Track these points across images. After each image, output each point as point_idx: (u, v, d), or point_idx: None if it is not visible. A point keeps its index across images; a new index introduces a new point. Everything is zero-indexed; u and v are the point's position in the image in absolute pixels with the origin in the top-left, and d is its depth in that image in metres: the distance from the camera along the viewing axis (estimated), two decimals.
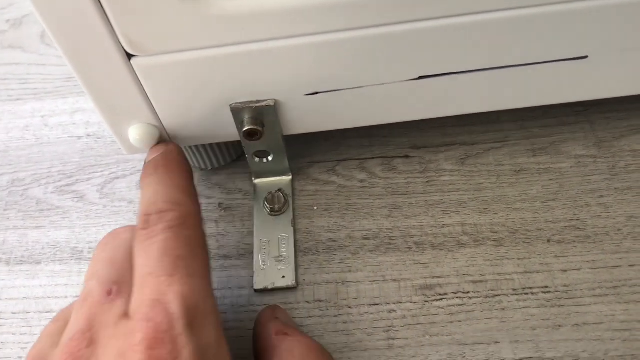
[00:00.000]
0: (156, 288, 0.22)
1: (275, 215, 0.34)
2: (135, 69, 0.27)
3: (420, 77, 0.29)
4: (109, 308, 0.23)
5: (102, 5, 0.24)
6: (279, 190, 0.34)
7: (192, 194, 0.27)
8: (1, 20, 0.46)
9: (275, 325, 0.26)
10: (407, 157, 0.35)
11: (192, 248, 0.24)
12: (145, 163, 0.29)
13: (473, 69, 0.29)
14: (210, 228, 0.34)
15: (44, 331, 0.25)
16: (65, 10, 0.24)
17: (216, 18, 0.25)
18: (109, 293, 0.23)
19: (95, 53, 0.26)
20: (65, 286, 0.33)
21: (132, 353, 0.21)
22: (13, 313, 0.32)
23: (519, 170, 0.34)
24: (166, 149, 0.29)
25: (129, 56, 0.27)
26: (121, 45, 0.26)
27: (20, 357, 0.31)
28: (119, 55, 0.26)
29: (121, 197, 0.35)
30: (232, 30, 0.26)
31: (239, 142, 0.32)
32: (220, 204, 0.35)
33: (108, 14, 0.24)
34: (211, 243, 0.33)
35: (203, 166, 0.36)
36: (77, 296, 0.32)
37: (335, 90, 0.29)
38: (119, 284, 0.24)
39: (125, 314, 0.22)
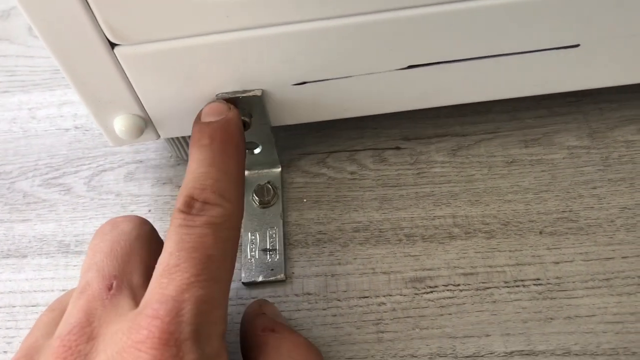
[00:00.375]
0: (176, 284, 0.21)
1: (264, 208, 0.33)
2: (118, 58, 0.26)
3: (410, 66, 0.28)
4: (110, 303, 0.22)
5: None
6: (268, 182, 0.34)
7: (242, 186, 0.25)
8: None
9: (262, 321, 0.26)
10: (398, 148, 0.35)
11: (225, 251, 0.23)
12: (199, 119, 0.27)
13: (463, 57, 0.28)
14: None
15: (38, 321, 0.25)
16: None
17: (200, 5, 0.24)
18: (109, 288, 0.22)
19: (77, 42, 0.25)
20: (51, 280, 0.32)
21: (135, 351, 0.20)
22: None
23: (511, 162, 0.33)
24: (227, 115, 0.26)
25: (112, 45, 0.26)
26: (104, 34, 0.25)
27: (5, 352, 0.30)
28: (101, 44, 0.26)
29: (108, 190, 0.35)
30: (216, 18, 0.25)
31: None
32: None
33: (89, 1, 0.24)
34: None
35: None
36: (63, 290, 0.32)
37: (323, 80, 0.29)
38: (119, 278, 0.23)
39: (130, 309, 0.22)
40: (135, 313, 0.21)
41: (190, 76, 0.28)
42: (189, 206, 0.23)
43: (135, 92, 0.28)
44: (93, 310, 0.22)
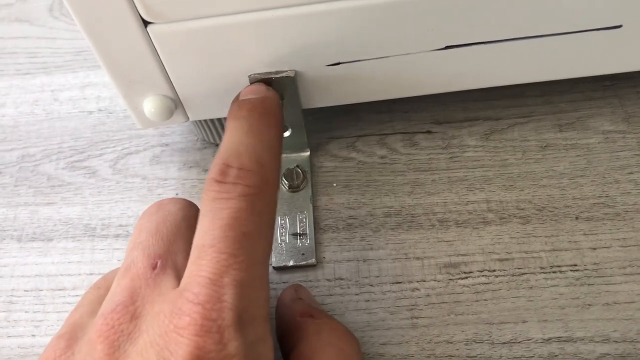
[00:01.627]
0: (214, 265, 0.20)
1: (293, 192, 0.33)
2: (151, 36, 0.26)
3: (447, 47, 0.28)
4: (154, 283, 0.22)
5: None
6: (297, 166, 0.33)
7: (279, 158, 0.24)
8: None
9: (300, 306, 0.25)
10: (429, 132, 0.34)
11: (262, 227, 0.22)
12: (237, 98, 0.26)
13: (501, 38, 0.28)
14: None
15: (83, 298, 0.24)
16: None
17: None
18: (154, 267, 0.22)
19: (110, 20, 0.25)
20: (78, 263, 0.32)
21: (177, 336, 0.19)
22: (25, 290, 0.31)
23: (545, 146, 0.33)
24: (267, 94, 0.26)
25: (146, 23, 0.25)
26: (137, 12, 0.25)
27: (33, 335, 0.30)
28: (135, 22, 0.25)
29: (134, 173, 0.35)
30: None
31: None
32: None
33: None
34: None
35: (218, 141, 0.35)
36: (90, 274, 0.31)
37: (358, 61, 0.28)
38: (164, 258, 0.22)
39: (172, 288, 0.21)
40: (177, 294, 0.21)
41: (222, 56, 0.27)
42: (224, 174, 0.22)
43: (167, 72, 0.28)
44: (137, 289, 0.22)
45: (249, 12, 0.25)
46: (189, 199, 0.32)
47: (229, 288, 0.20)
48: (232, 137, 0.24)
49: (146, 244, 0.23)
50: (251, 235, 0.21)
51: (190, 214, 0.25)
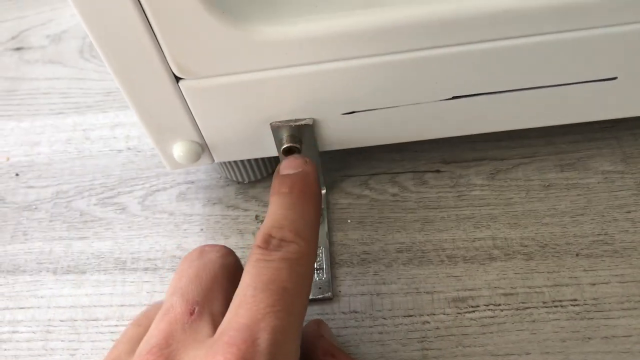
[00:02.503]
0: (252, 313, 0.22)
1: None
2: (182, 90, 0.28)
3: (454, 97, 0.30)
4: (190, 328, 0.23)
5: (154, 32, 0.25)
6: None
7: (317, 231, 0.27)
8: (41, 36, 0.48)
9: (323, 344, 0.27)
10: (438, 171, 0.36)
11: (300, 285, 0.24)
12: (278, 172, 0.29)
13: (505, 89, 0.30)
14: (247, 240, 0.35)
15: (124, 334, 0.26)
16: (117, 34, 0.25)
17: (261, 44, 0.26)
18: (191, 313, 0.24)
19: (145, 75, 0.27)
20: (110, 295, 0.34)
21: None
22: (61, 321, 0.34)
23: (547, 185, 0.35)
24: (305, 169, 0.28)
25: (177, 79, 0.28)
26: (170, 69, 0.27)
27: None
28: (167, 78, 0.28)
29: (162, 209, 0.37)
30: (275, 55, 0.27)
31: (276, 156, 0.33)
32: (257, 217, 0.36)
33: (159, 39, 0.26)
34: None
35: (240, 179, 0.37)
36: (122, 305, 0.34)
37: (371, 110, 0.30)
38: (201, 304, 0.24)
39: (208, 336, 0.23)
40: (213, 340, 0.22)
41: (247, 107, 0.30)
42: (267, 242, 0.25)
43: (195, 121, 0.30)
44: (173, 333, 0.23)
45: (271, 70, 0.28)
46: (212, 234, 0.35)
47: (264, 333, 0.22)
48: (276, 212, 0.26)
49: (185, 290, 0.25)
50: (290, 291, 0.23)
51: (228, 262, 0.27)
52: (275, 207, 0.27)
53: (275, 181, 0.28)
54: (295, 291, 0.24)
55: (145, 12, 0.25)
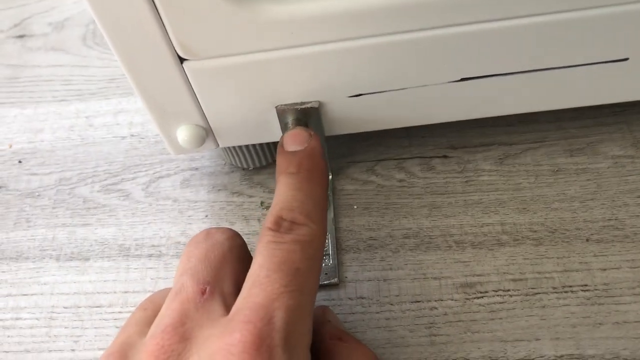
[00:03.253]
0: (266, 293, 0.22)
1: None
2: (187, 72, 0.28)
3: (463, 79, 0.30)
4: (203, 307, 0.23)
5: (158, 12, 0.25)
6: None
7: (326, 210, 0.27)
8: (43, 23, 0.48)
9: (329, 328, 0.27)
10: (445, 157, 0.36)
11: (311, 266, 0.24)
12: (282, 147, 0.28)
13: (515, 71, 0.29)
14: (253, 226, 0.35)
15: (131, 318, 0.26)
16: (122, 15, 0.25)
17: (267, 23, 0.26)
18: (203, 292, 0.23)
19: (149, 57, 0.27)
20: (113, 282, 0.34)
21: (227, 353, 0.21)
22: (65, 307, 0.33)
23: (557, 170, 0.34)
24: (310, 144, 0.28)
25: (181, 60, 0.27)
26: (174, 50, 0.27)
27: (73, 350, 0.32)
28: (172, 59, 0.27)
29: (166, 196, 0.37)
30: (281, 35, 0.26)
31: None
32: (262, 203, 0.36)
33: (163, 19, 0.25)
34: (254, 241, 0.34)
35: (245, 166, 0.37)
36: (125, 292, 0.33)
37: (378, 92, 0.30)
38: (212, 284, 0.24)
39: (221, 315, 0.23)
40: (228, 319, 0.22)
41: (252, 89, 0.29)
42: (278, 224, 0.24)
43: (200, 104, 0.30)
44: (186, 312, 0.23)
45: (277, 50, 0.27)
46: (217, 220, 0.35)
47: (280, 311, 0.22)
48: (284, 193, 0.26)
49: (195, 270, 0.24)
50: (302, 272, 0.23)
51: (236, 244, 0.27)
52: (284, 188, 0.26)
53: (281, 159, 0.28)
54: (308, 272, 0.24)
55: None
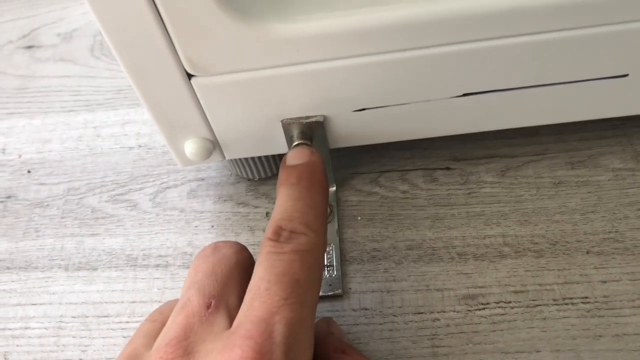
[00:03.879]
0: (267, 306, 0.23)
1: None
2: (194, 88, 0.29)
3: (465, 94, 0.30)
4: (207, 321, 0.23)
5: (166, 29, 0.26)
6: None
7: (325, 221, 0.27)
8: (52, 34, 0.48)
9: (333, 341, 0.27)
10: (448, 169, 0.36)
11: (311, 276, 0.24)
12: (285, 163, 0.29)
13: (517, 86, 0.30)
14: (258, 237, 0.35)
15: (139, 329, 0.26)
16: (130, 32, 0.26)
17: (273, 41, 0.26)
18: (208, 306, 0.24)
19: (157, 72, 0.28)
20: (121, 292, 0.34)
21: None
22: (72, 317, 0.34)
23: (558, 183, 0.35)
24: (311, 159, 0.29)
25: (189, 76, 0.28)
26: (182, 66, 0.27)
27: (81, 359, 0.32)
28: (180, 75, 0.28)
29: (173, 206, 0.37)
30: (287, 52, 0.27)
31: (284, 154, 0.33)
32: (267, 214, 0.36)
33: (172, 37, 0.26)
34: None
35: (251, 176, 0.37)
36: (133, 302, 0.34)
37: (382, 107, 0.30)
38: (218, 298, 0.24)
39: (225, 329, 0.23)
40: (229, 333, 0.23)
41: (258, 104, 0.30)
42: (278, 234, 0.25)
43: (207, 118, 0.30)
44: (191, 326, 0.23)
45: (283, 67, 0.28)
46: (223, 230, 0.35)
47: (280, 325, 0.22)
48: (284, 203, 0.26)
49: (202, 284, 0.25)
50: (303, 283, 0.24)
51: (242, 258, 0.27)
52: (284, 199, 0.27)
53: (282, 172, 0.28)
54: (308, 283, 0.24)
55: (158, 9, 0.25)
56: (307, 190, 0.27)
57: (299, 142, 0.31)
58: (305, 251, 0.25)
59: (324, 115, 0.31)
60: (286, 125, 0.31)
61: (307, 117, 0.31)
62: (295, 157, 0.29)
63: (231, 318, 0.24)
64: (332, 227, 0.35)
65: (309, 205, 0.26)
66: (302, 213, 0.26)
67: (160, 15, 0.25)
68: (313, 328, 0.24)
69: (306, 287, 0.24)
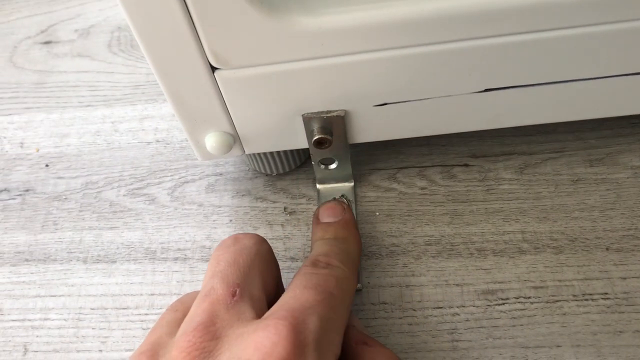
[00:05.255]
0: (301, 302, 0.24)
1: None
2: (217, 81, 0.29)
3: (486, 90, 0.30)
4: (233, 308, 0.24)
5: (193, 23, 0.26)
6: (342, 195, 0.36)
7: (357, 265, 0.29)
8: (69, 30, 0.48)
9: (354, 333, 0.27)
10: (466, 165, 0.36)
11: (344, 297, 0.26)
12: (318, 219, 0.32)
13: (538, 82, 0.30)
14: (276, 231, 0.35)
15: (161, 319, 0.26)
16: (158, 25, 0.26)
17: (298, 34, 0.26)
18: (233, 294, 0.24)
19: (182, 66, 0.28)
20: (139, 284, 0.34)
21: (260, 346, 0.21)
22: (92, 309, 0.34)
23: (576, 180, 0.35)
24: (345, 217, 0.31)
25: (213, 69, 0.28)
26: (207, 59, 0.28)
27: (100, 350, 0.32)
28: (204, 68, 0.28)
29: (191, 201, 0.37)
30: (311, 46, 0.27)
31: (303, 149, 0.33)
32: (285, 209, 0.36)
33: (197, 29, 0.26)
34: (278, 245, 0.35)
35: (269, 172, 0.37)
36: (152, 294, 0.34)
37: (403, 102, 0.31)
38: (242, 286, 0.25)
39: (252, 318, 0.24)
40: (260, 320, 0.23)
41: (280, 98, 0.30)
42: (315, 264, 0.27)
43: (228, 111, 0.30)
44: (217, 312, 0.24)
45: (306, 60, 0.28)
46: (241, 225, 0.35)
47: (313, 317, 0.23)
48: (321, 248, 0.29)
49: (225, 273, 0.25)
50: (336, 296, 0.25)
51: (263, 249, 0.27)
52: (320, 246, 0.29)
53: (317, 229, 0.31)
54: (340, 299, 0.25)
55: (186, 1, 0.25)
56: (343, 242, 0.29)
57: (320, 137, 0.31)
58: (339, 277, 0.26)
59: (345, 110, 0.31)
60: (307, 120, 0.31)
61: (328, 112, 0.31)
62: (330, 214, 0.31)
63: (255, 308, 0.24)
64: None
65: (344, 250, 0.29)
66: (337, 253, 0.28)
67: (187, 8, 0.25)
68: (342, 336, 0.25)
69: (339, 301, 0.25)
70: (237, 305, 0.24)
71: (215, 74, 0.28)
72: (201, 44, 0.27)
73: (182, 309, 0.26)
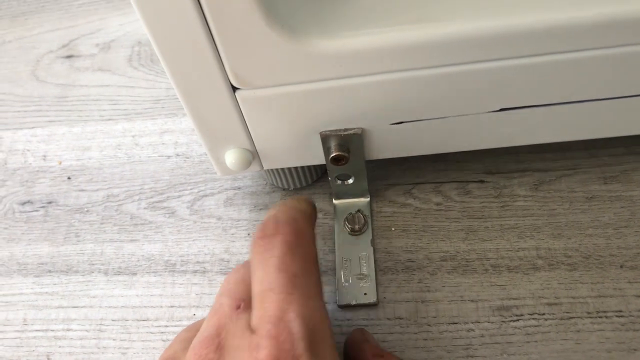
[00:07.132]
0: (277, 305, 0.24)
1: (355, 235, 0.35)
2: (238, 100, 0.29)
3: (502, 109, 0.31)
4: (237, 319, 0.25)
5: (215, 44, 0.26)
6: (359, 210, 0.36)
7: (313, 219, 0.29)
8: (90, 44, 0.49)
9: (370, 347, 0.28)
10: (482, 182, 0.37)
11: (307, 266, 0.26)
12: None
13: (553, 102, 0.30)
14: None
15: (177, 337, 0.28)
16: (181, 46, 0.27)
17: (317, 56, 0.27)
18: (238, 307, 0.25)
19: (203, 85, 0.28)
20: (160, 296, 0.35)
21: None
22: (113, 320, 0.35)
23: (591, 197, 0.35)
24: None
25: (234, 89, 0.29)
26: (228, 80, 0.28)
27: None
28: (225, 88, 0.29)
29: (210, 214, 0.38)
30: (330, 67, 0.28)
31: (320, 164, 0.34)
32: None
33: (220, 51, 0.27)
34: None
35: (286, 186, 0.38)
36: (171, 306, 0.35)
37: (419, 120, 0.31)
38: (247, 300, 0.26)
39: (250, 327, 0.24)
40: (252, 333, 0.24)
41: (298, 116, 0.31)
42: (264, 229, 0.27)
43: (248, 129, 0.31)
44: (223, 325, 0.25)
45: (325, 81, 0.29)
46: None
47: (295, 321, 0.23)
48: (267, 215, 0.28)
49: (232, 291, 0.27)
50: (300, 275, 0.25)
51: None
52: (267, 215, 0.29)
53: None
54: (305, 274, 0.25)
55: (209, 25, 0.26)
56: (290, 207, 0.29)
57: (337, 154, 0.32)
58: (292, 242, 0.26)
59: (362, 128, 0.32)
60: (324, 137, 0.32)
61: (346, 130, 0.32)
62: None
63: None
64: (367, 237, 0.35)
65: (296, 208, 0.29)
66: (285, 212, 0.28)
67: (210, 31, 0.26)
68: (327, 316, 0.25)
69: (305, 277, 0.25)
70: (241, 315, 0.25)
71: (236, 94, 0.29)
72: (223, 65, 0.28)
73: (195, 328, 0.27)
